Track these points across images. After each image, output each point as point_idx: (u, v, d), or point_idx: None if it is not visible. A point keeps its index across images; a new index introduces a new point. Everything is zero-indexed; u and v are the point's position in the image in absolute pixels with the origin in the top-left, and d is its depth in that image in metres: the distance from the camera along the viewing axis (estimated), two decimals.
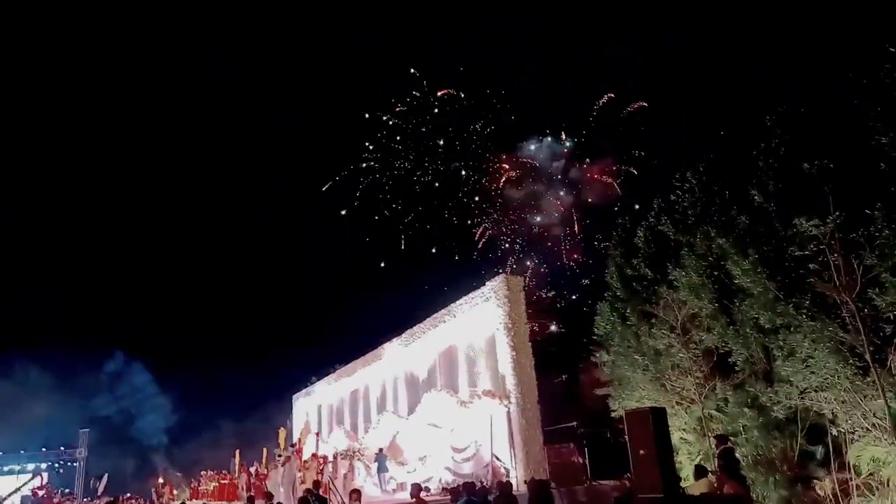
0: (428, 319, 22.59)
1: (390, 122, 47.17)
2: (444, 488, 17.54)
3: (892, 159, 12.58)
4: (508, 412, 17.67)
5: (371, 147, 47.93)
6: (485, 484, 15.64)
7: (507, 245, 44.55)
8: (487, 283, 19.44)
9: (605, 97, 43.00)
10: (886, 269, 12.44)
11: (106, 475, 32.43)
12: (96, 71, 51.11)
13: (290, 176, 53.12)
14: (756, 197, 14.75)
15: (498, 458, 17.50)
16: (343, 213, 47.83)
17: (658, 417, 12.86)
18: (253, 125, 55.35)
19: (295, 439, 28.82)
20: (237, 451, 30.39)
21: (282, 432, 29.28)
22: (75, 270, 49.78)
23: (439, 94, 46.07)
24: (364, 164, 47.75)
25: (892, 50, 12.95)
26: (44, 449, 38.45)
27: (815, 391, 13.58)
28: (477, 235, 44.87)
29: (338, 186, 48.13)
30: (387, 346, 25.29)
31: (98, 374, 44.64)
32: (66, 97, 51.08)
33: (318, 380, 32.62)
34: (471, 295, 20.22)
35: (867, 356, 12.58)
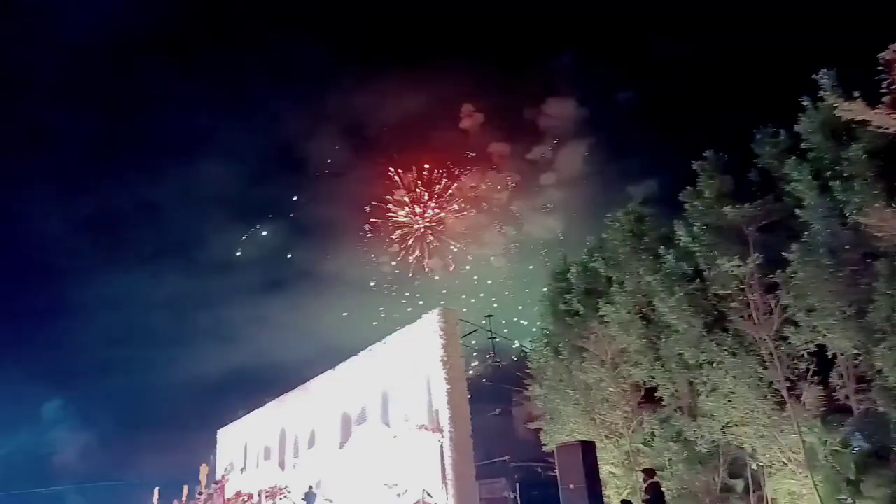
0: (362, 352, 22.26)
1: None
2: None
3: (805, 206, 13.39)
4: (441, 446, 17.48)
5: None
6: None
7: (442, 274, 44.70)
8: (423, 315, 19.37)
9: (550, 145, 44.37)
10: (801, 308, 13.14)
11: None
12: None
13: None
14: (682, 237, 15.37)
15: (429, 494, 17.24)
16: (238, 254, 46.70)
17: (587, 451, 13.11)
18: None
19: (219, 476, 27.64)
20: (156, 490, 28.88)
21: (203, 469, 28.07)
22: None
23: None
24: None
25: (805, 104, 13.87)
26: None
27: (736, 426, 14.08)
28: (413, 264, 44.86)
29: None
30: (318, 378, 24.70)
31: (7, 406, 41.60)
32: None
33: (245, 413, 31.45)
34: (406, 327, 20.08)
35: (783, 392, 13.17)
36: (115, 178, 51.00)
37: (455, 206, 46.25)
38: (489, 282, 43.88)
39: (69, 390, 43.29)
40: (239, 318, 48.42)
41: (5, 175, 47.30)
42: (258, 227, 49.52)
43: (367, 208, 46.28)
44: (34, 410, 43.36)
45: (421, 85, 45.37)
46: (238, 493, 24.77)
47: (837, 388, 13.20)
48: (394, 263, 45.88)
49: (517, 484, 18.45)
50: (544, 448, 18.72)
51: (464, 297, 42.87)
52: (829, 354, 13.14)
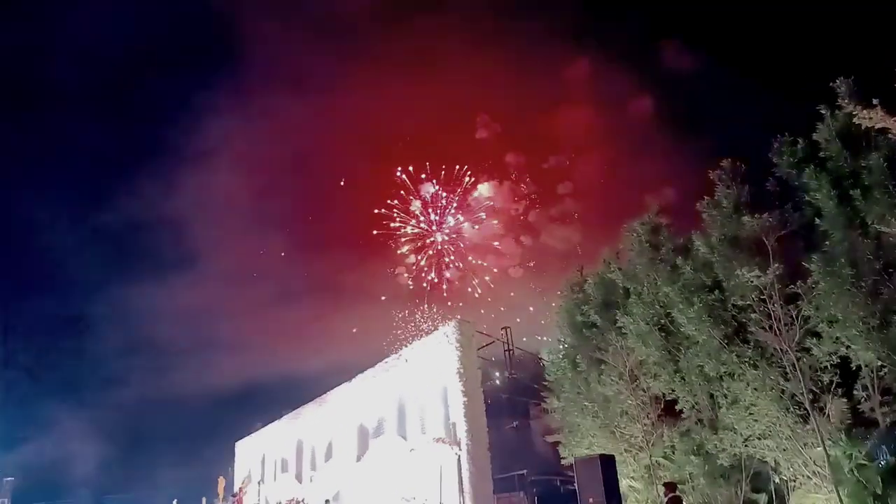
0: (378, 364, 22.30)
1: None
2: None
3: (825, 216, 13.25)
4: (459, 460, 17.44)
5: None
6: None
7: (455, 282, 44.57)
8: (440, 328, 19.38)
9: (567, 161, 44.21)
10: (823, 319, 12.96)
11: None
12: None
13: None
14: (700, 248, 15.24)
15: None
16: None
17: (607, 465, 13.01)
18: None
19: (236, 488, 27.73)
20: (175, 502, 29.03)
21: (220, 481, 28.21)
22: None
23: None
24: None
25: (822, 112, 13.75)
26: None
27: (759, 439, 13.87)
28: (430, 277, 44.77)
29: None
30: (335, 390, 24.77)
31: (23, 417, 41.95)
32: None
33: (263, 425, 31.59)
34: (422, 340, 20.10)
35: (807, 404, 12.96)
36: (129, 189, 51.62)
37: (472, 217, 46.17)
38: (512, 293, 43.64)
39: (85, 402, 43.64)
40: (255, 329, 48.67)
41: (20, 186, 48.11)
42: (274, 240, 49.64)
43: (383, 221, 46.27)
44: (50, 423, 43.72)
45: (436, 95, 45.50)
46: None
47: (862, 400, 12.97)
48: (406, 275, 45.78)
49: (535, 498, 18.29)
50: (563, 461, 18.57)
51: (482, 311, 42.62)
52: (853, 366, 12.93)
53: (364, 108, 48.92)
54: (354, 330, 41.74)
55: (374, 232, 44.41)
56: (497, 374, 29.12)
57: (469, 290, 44.55)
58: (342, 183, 46.15)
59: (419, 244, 45.75)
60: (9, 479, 36.59)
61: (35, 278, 48.00)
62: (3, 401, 39.47)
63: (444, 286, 44.75)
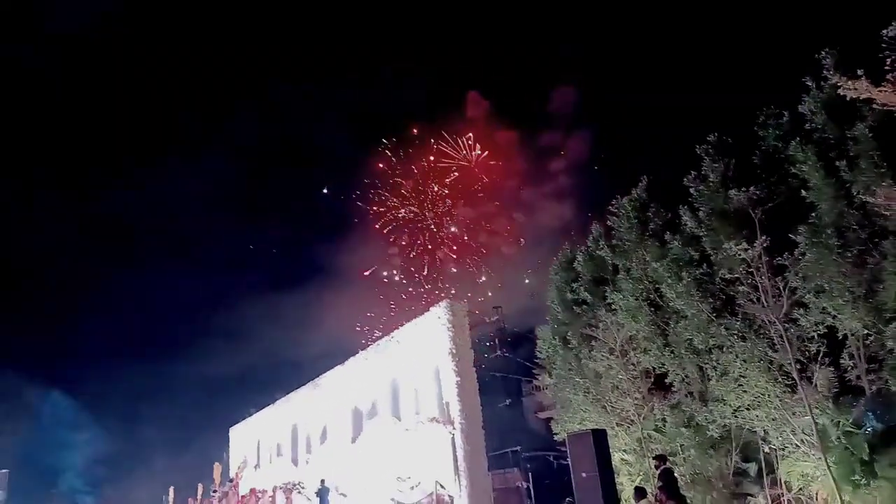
0: (371, 346, 22.36)
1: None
2: None
3: (811, 187, 13.30)
4: (453, 438, 17.56)
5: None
6: None
7: (452, 268, 44.53)
8: (431, 308, 19.41)
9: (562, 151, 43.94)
10: (810, 290, 13.08)
11: None
12: None
13: None
14: (688, 222, 15.30)
15: (442, 486, 17.33)
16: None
17: (599, 439, 13.13)
18: None
19: (232, 474, 27.85)
20: (171, 489, 29.15)
21: (217, 468, 28.31)
22: None
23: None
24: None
25: (809, 84, 13.75)
26: None
27: (748, 409, 14.04)
28: (425, 260, 44.71)
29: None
30: (329, 374, 24.82)
31: (15, 408, 41.82)
32: None
33: (257, 411, 31.64)
34: (414, 321, 20.14)
35: (794, 374, 13.12)
36: (122, 177, 51.23)
37: (464, 196, 45.91)
38: (504, 272, 43.66)
39: (79, 391, 43.66)
40: (249, 315, 48.59)
41: (11, 177, 47.48)
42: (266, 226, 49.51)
43: (374, 204, 46.00)
44: (44, 412, 43.68)
45: (427, 74, 45.08)
46: (253, 491, 24.98)
47: (849, 368, 13.12)
48: (398, 258, 45.65)
49: (529, 474, 18.50)
50: (556, 437, 18.77)
51: (475, 290, 42.62)
52: (840, 335, 13.07)
53: (357, 89, 48.52)
54: (346, 313, 41.79)
55: (356, 220, 44.26)
56: (490, 352, 29.35)
57: (461, 270, 44.56)
58: (325, 191, 46.10)
59: (413, 225, 45.60)
60: (4, 471, 36.60)
61: (26, 267, 47.53)
62: None
63: (433, 265, 44.70)
